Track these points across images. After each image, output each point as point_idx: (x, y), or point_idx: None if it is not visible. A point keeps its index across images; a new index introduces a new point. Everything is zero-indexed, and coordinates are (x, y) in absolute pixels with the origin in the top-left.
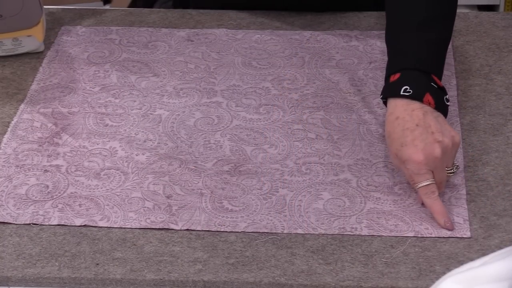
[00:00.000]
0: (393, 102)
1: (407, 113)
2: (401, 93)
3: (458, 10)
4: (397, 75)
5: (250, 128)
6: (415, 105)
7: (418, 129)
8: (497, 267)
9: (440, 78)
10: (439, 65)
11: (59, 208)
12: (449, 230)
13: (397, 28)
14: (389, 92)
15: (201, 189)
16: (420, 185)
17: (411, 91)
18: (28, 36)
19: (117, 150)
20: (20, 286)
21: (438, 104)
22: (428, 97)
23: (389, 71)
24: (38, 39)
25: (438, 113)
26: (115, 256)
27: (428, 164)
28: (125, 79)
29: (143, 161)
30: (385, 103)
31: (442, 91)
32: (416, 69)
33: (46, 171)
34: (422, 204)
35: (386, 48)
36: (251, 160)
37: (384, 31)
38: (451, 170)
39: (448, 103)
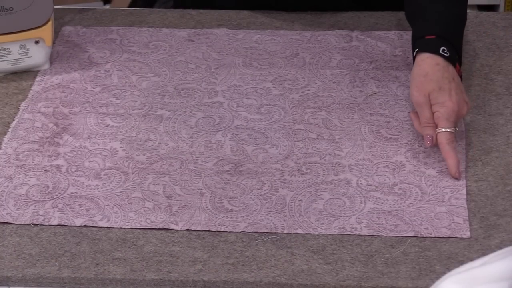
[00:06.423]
0: (430, 55)
1: (446, 65)
2: (440, 52)
3: None
4: (432, 36)
5: (252, 128)
6: (450, 66)
7: (454, 83)
8: (497, 267)
9: (461, 52)
10: (460, 39)
11: (59, 208)
12: (457, 179)
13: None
14: (428, 47)
15: (201, 189)
16: (445, 130)
17: (448, 53)
18: (36, 42)
19: (117, 150)
20: (20, 286)
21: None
22: (457, 67)
23: (424, 33)
24: (46, 43)
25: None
26: (115, 256)
27: (456, 116)
28: (126, 79)
29: (144, 161)
30: (413, 58)
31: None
32: (447, 39)
33: (46, 171)
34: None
35: (387, 48)
36: (251, 160)
37: (385, 31)
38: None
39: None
